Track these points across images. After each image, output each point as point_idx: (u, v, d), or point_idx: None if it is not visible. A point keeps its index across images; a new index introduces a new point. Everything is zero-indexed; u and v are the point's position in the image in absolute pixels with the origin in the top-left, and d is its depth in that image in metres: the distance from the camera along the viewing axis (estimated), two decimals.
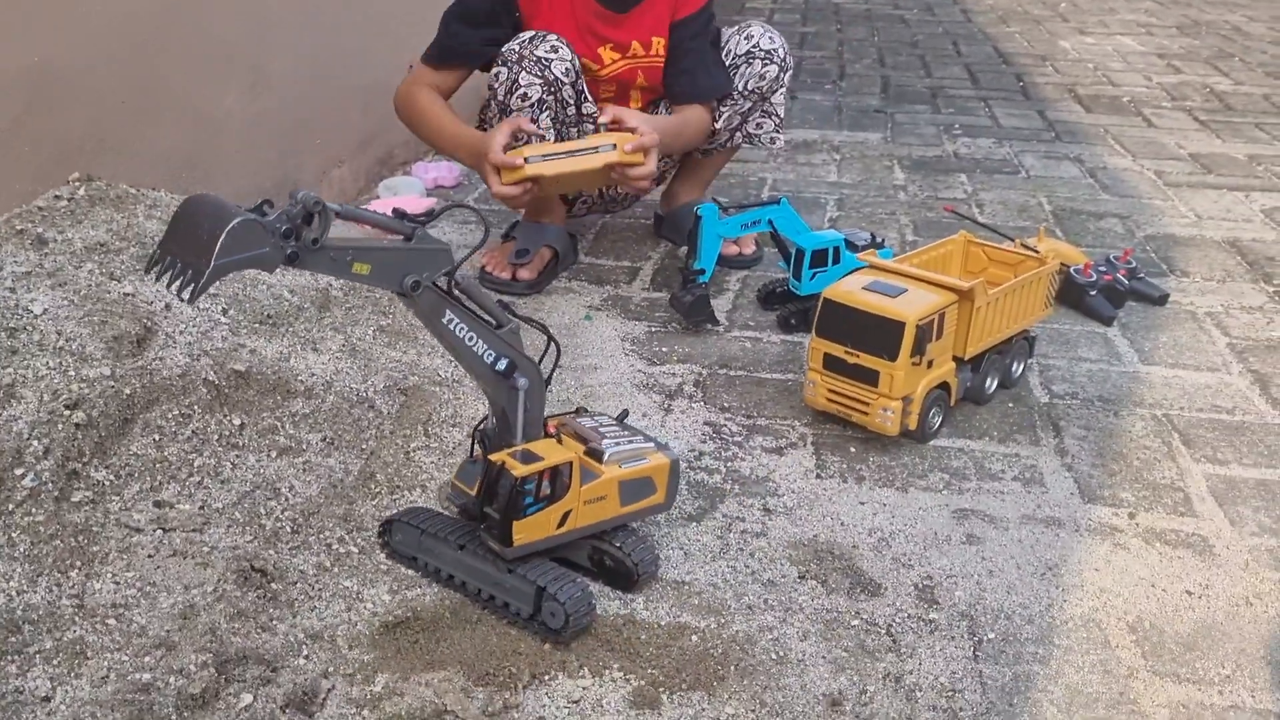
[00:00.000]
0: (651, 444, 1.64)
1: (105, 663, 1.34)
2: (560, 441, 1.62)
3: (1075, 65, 5.64)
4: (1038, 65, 5.62)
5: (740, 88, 2.73)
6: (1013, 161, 3.99)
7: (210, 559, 1.52)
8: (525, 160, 2.34)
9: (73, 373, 1.67)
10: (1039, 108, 4.78)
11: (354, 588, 1.58)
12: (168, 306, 1.92)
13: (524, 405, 1.58)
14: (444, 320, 1.52)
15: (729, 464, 2.01)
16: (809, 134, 4.30)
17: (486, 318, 1.57)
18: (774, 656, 1.54)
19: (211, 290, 2.00)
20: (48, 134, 2.05)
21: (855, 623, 1.61)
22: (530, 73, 2.45)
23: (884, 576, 1.72)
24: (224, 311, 1.99)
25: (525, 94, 2.46)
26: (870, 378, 2.01)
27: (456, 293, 1.52)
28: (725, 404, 2.22)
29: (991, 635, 1.59)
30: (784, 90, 2.81)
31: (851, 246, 2.53)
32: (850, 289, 2.05)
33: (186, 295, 1.26)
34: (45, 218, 1.98)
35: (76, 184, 2.09)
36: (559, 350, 1.66)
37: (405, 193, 3.26)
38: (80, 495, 1.55)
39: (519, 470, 1.51)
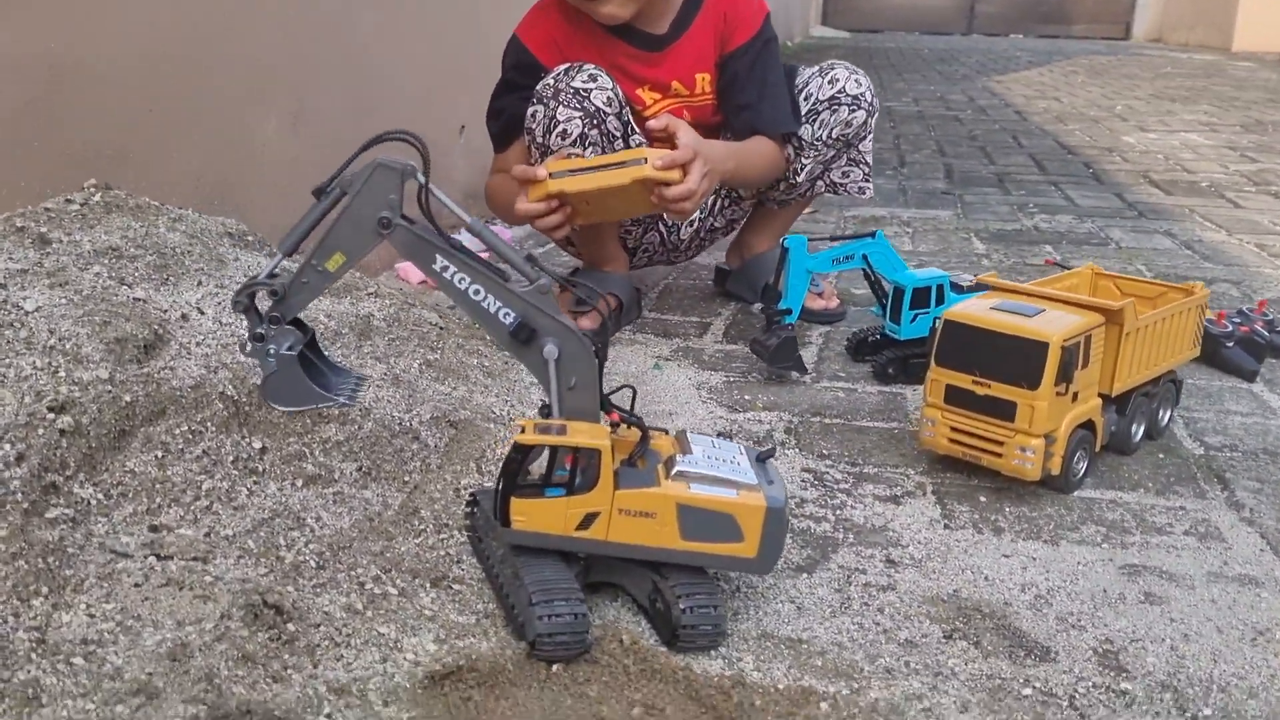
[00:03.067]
0: (755, 482, 1.32)
1: (64, 712, 1.02)
2: (640, 433, 1.33)
3: (1144, 156, 5.43)
4: (1105, 155, 5.41)
5: (824, 136, 2.48)
6: (1100, 235, 3.72)
7: (213, 591, 1.20)
8: (549, 175, 2.08)
9: (63, 373, 1.39)
10: (1115, 190, 4.54)
11: (392, 635, 1.26)
12: (185, 317, 1.65)
13: (557, 380, 1.29)
14: (436, 266, 1.30)
15: (838, 512, 1.68)
16: (875, 210, 4.06)
17: (494, 270, 1.32)
18: None
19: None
20: (59, 131, 1.83)
21: (1027, 692, 1.26)
22: (568, 106, 2.21)
23: (1051, 639, 1.37)
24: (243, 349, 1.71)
25: (565, 130, 2.22)
26: (1005, 411, 1.69)
27: (468, 235, 1.30)
28: (824, 451, 1.90)
29: (1208, 712, 1.23)
30: (871, 137, 2.56)
31: (956, 288, 2.24)
32: (976, 309, 1.75)
33: None
34: (52, 219, 1.74)
35: (92, 190, 1.85)
36: (607, 321, 1.37)
37: None
38: (57, 512, 1.25)
39: (520, 437, 1.25)
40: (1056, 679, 1.29)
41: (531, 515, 1.27)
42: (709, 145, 2.21)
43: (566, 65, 2.26)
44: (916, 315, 2.20)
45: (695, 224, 2.67)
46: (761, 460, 1.38)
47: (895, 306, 2.21)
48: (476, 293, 1.32)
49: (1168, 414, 1.97)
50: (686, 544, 1.30)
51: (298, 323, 1.38)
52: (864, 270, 2.27)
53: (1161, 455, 1.90)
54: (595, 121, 2.22)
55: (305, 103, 2.51)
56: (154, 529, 1.30)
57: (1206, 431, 2.01)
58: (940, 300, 2.20)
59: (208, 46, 2.17)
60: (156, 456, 1.40)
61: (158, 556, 1.24)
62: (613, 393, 1.41)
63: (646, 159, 2.05)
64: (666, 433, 1.43)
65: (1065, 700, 1.25)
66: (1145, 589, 1.48)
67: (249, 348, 1.35)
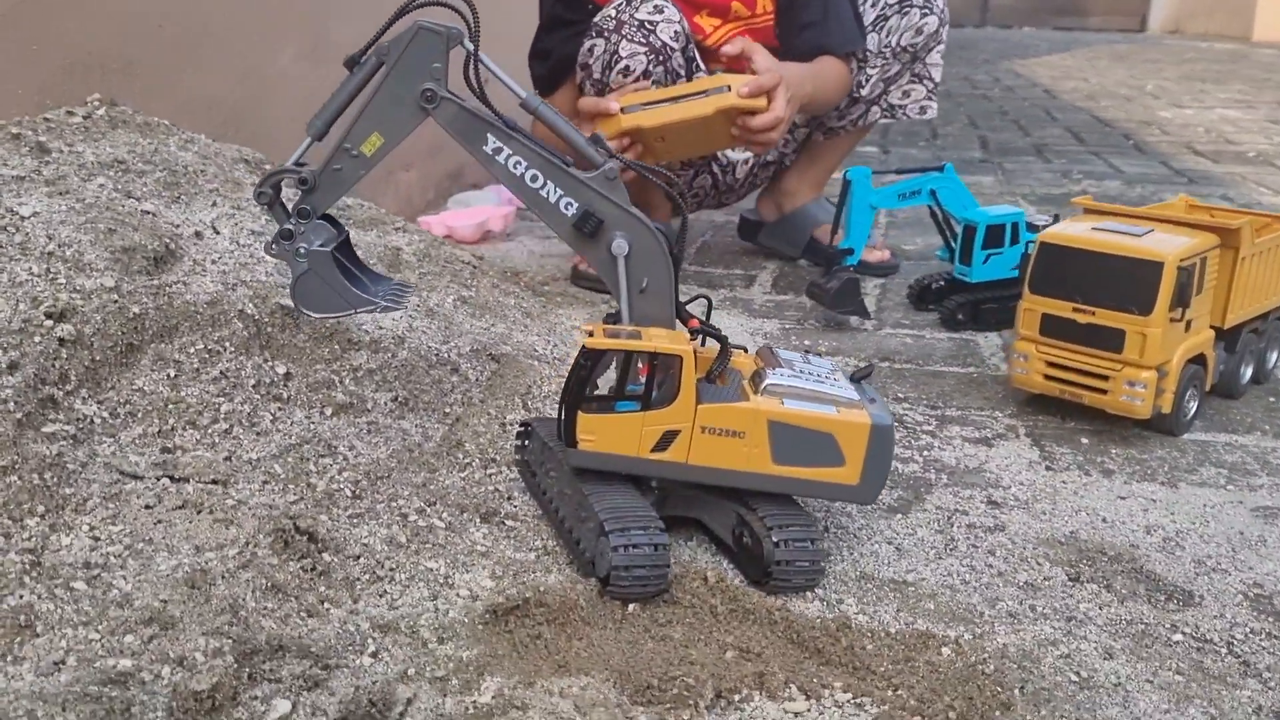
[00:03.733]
0: (856, 398, 1.15)
1: (62, 641, 0.85)
2: (701, 342, 1.16)
3: (1184, 129, 5.25)
4: (1143, 128, 5.23)
5: (893, 44, 2.29)
6: (1154, 198, 3.53)
7: (235, 516, 1.03)
8: (622, 109, 1.91)
9: (63, 280, 1.23)
10: (1160, 159, 4.36)
11: (441, 570, 1.09)
12: (199, 234, 1.48)
13: (627, 280, 1.12)
14: (488, 148, 1.14)
15: (925, 453, 1.51)
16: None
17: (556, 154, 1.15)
18: (1074, 678, 1.01)
19: (254, 227, 1.57)
20: (59, 36, 1.66)
21: (1177, 638, 1.09)
22: (632, 40, 2.03)
23: (1192, 583, 1.19)
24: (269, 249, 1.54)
25: (628, 67, 2.03)
26: (1112, 341, 1.51)
27: (527, 112, 1.14)
28: (900, 394, 1.73)
29: None
30: (942, 48, 2.37)
31: (1032, 227, 2.06)
32: (1076, 230, 1.58)
33: None
34: (51, 129, 1.57)
35: (96, 104, 1.69)
36: (685, 209, 1.20)
37: (479, 204, 2.85)
38: (55, 427, 1.08)
39: (590, 341, 1.09)
40: (1208, 624, 1.11)
41: (601, 433, 1.10)
42: (788, 69, 2.02)
43: None
44: (989, 256, 2.02)
45: (749, 160, 2.48)
46: (858, 380, 1.21)
47: (966, 246, 2.03)
48: (534, 179, 1.15)
49: (1275, 355, 1.80)
50: (779, 468, 1.13)
51: (330, 219, 1.21)
52: (930, 207, 2.09)
53: (1273, 399, 1.73)
54: (661, 58, 2.04)
55: (324, 34, 2.35)
56: (167, 450, 1.13)
57: None
58: (1015, 239, 2.03)
59: None
60: (169, 376, 1.23)
61: (171, 478, 1.07)
62: (689, 302, 1.24)
63: (730, 86, 1.87)
64: (745, 350, 1.26)
65: (1223, 646, 1.07)
66: None
67: (274, 247, 1.18)
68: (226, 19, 2.03)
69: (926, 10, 2.27)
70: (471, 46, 1.15)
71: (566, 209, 1.15)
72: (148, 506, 1.02)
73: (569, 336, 1.83)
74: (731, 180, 2.46)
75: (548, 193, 1.15)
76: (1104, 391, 1.53)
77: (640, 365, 1.11)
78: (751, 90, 1.87)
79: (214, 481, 1.08)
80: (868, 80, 2.31)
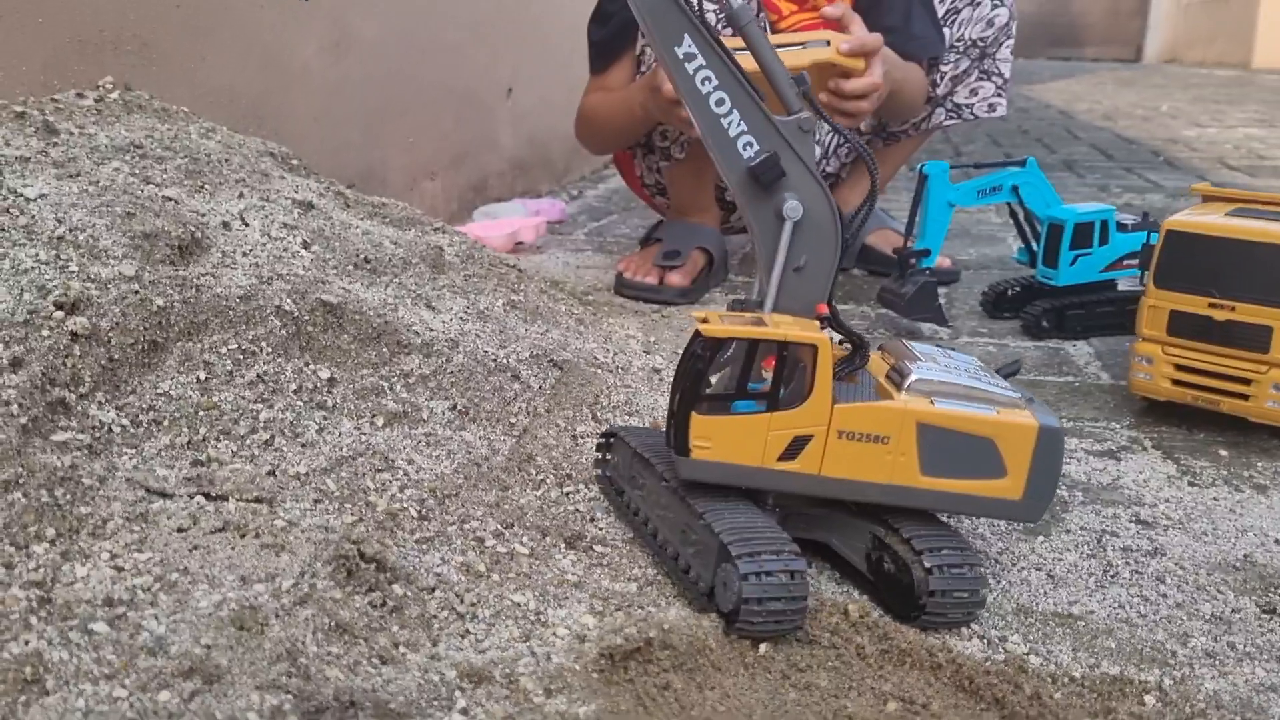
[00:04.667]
0: (1017, 397, 0.98)
1: (79, 700, 0.66)
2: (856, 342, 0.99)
3: (1212, 145, 5.12)
4: (1170, 145, 5.10)
5: (964, 36, 2.15)
6: None
7: (287, 540, 0.85)
8: None
9: (74, 268, 1.05)
10: (1195, 174, 4.22)
11: (530, 604, 0.90)
12: (227, 225, 1.30)
13: (787, 250, 0.95)
14: (679, 50, 0.97)
15: None
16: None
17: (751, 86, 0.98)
18: None
19: (287, 220, 1.40)
20: (66, 9, 1.49)
21: None
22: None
23: None
24: (305, 245, 1.37)
25: None
26: (1256, 340, 1.34)
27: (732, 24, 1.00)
28: None
29: None
30: (1011, 44, 2.22)
31: (1120, 227, 1.90)
32: (1209, 218, 1.41)
33: None
34: (60, 110, 1.40)
35: (109, 87, 1.52)
36: (875, 179, 1.03)
37: (507, 215, 2.68)
38: (68, 436, 0.90)
39: (707, 327, 0.91)
40: None
41: (719, 439, 0.93)
42: (888, 55, 1.88)
43: None
44: (1077, 257, 1.86)
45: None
46: (1007, 376, 1.03)
47: (1051, 247, 1.87)
48: (720, 103, 0.98)
49: None
50: (928, 480, 0.95)
51: None
52: (1010, 205, 1.93)
53: None
54: (734, 22, 1.88)
55: (348, 28, 2.19)
56: (199, 463, 0.94)
57: None
58: (1105, 240, 1.86)
59: None
60: (198, 378, 1.05)
61: (207, 495, 0.89)
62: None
63: (829, 41, 1.71)
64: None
65: None
66: None
67: None
68: (247, 4, 1.87)
69: (999, 3, 2.13)
70: None
71: (745, 149, 0.98)
72: (181, 529, 0.83)
73: (626, 345, 1.66)
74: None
75: (730, 124, 0.98)
76: (1246, 397, 1.36)
77: (766, 356, 0.94)
78: (852, 48, 1.71)
79: (258, 500, 0.90)
80: (941, 78, 2.17)
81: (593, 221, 2.98)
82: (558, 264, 2.39)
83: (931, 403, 0.95)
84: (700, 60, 0.98)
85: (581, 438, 1.26)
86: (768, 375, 0.94)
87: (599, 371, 1.45)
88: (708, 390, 0.95)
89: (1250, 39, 12.99)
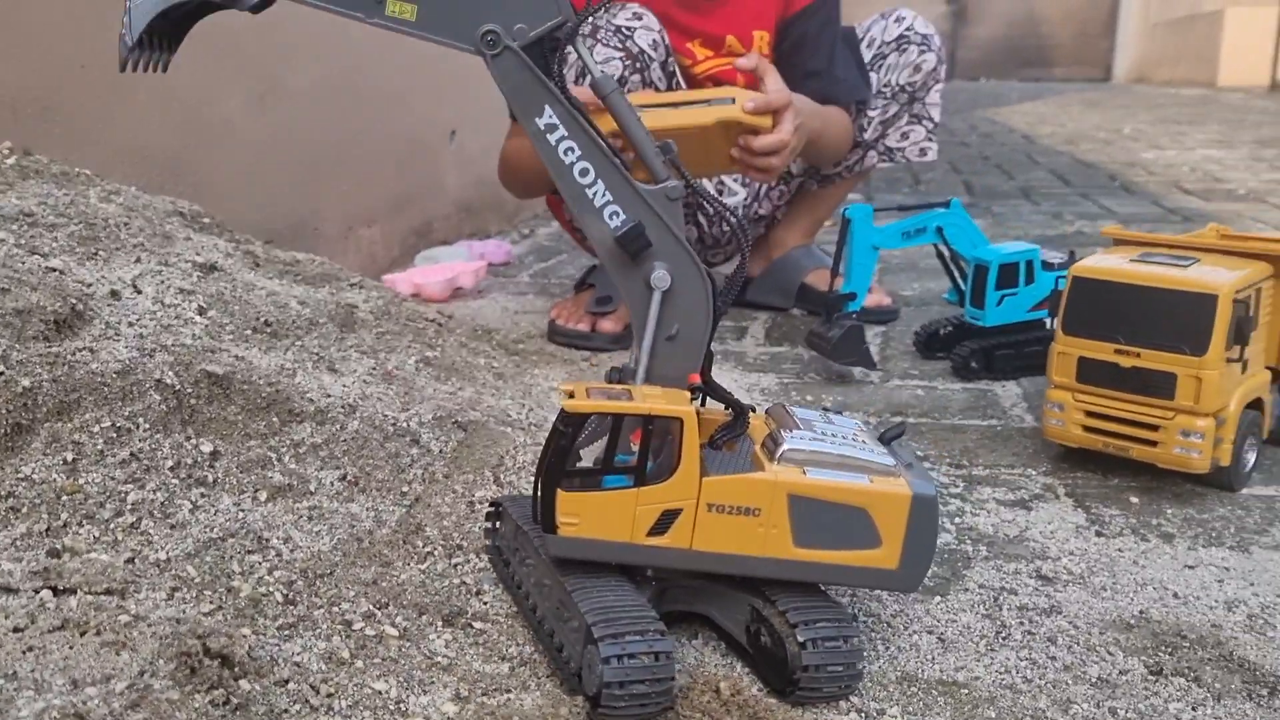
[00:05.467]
0: (891, 463, 0.96)
1: None
2: (701, 403, 0.98)
3: (1169, 169, 5.15)
4: (1128, 169, 5.14)
5: (892, 82, 2.16)
6: None
7: (129, 636, 0.82)
8: None
9: None
10: (1150, 199, 4.24)
11: (391, 692, 0.88)
12: (115, 295, 1.28)
13: (657, 320, 0.94)
14: (540, 122, 0.96)
15: (957, 520, 1.32)
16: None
17: (615, 151, 0.97)
18: None
19: (184, 285, 1.38)
20: None
21: None
22: (607, 45, 1.88)
23: None
24: (201, 311, 1.35)
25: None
26: (1161, 387, 1.34)
27: (597, 95, 0.96)
28: (919, 453, 1.54)
29: None
30: (940, 88, 2.23)
31: (1046, 265, 1.90)
32: (1113, 263, 1.41)
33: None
34: None
35: (5, 152, 1.50)
36: (746, 251, 1.02)
37: (449, 259, 2.67)
38: None
39: (570, 403, 0.89)
40: None
41: (587, 515, 0.91)
42: (800, 99, 1.87)
43: (605, 1, 1.94)
44: (1003, 297, 1.85)
45: (740, 210, 2.32)
46: (888, 441, 1.02)
47: (977, 288, 1.86)
48: (584, 173, 0.97)
49: None
50: (802, 552, 0.93)
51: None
52: (937, 246, 1.93)
53: None
54: (638, 65, 1.89)
55: (276, 80, 2.18)
56: (53, 553, 0.92)
57: None
58: (1030, 279, 1.86)
59: None
60: (65, 460, 1.03)
61: (53, 590, 0.86)
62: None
63: (735, 99, 1.71)
64: (754, 410, 1.07)
65: None
66: None
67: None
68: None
69: (925, 48, 2.14)
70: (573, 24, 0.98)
71: (612, 219, 0.97)
72: (17, 629, 0.81)
73: (546, 399, 1.64)
74: (718, 233, 2.30)
75: (595, 194, 0.97)
76: (1154, 444, 1.35)
77: (632, 430, 0.92)
78: (757, 106, 1.71)
79: (107, 591, 0.88)
80: (868, 123, 2.17)
81: (540, 262, 2.96)
82: (496, 309, 2.38)
83: (804, 473, 0.93)
84: (562, 131, 0.97)
85: (479, 503, 1.24)
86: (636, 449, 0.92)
87: (508, 430, 1.43)
88: (576, 465, 0.93)
89: (1215, 58, 13.13)
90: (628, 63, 1.87)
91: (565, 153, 0.97)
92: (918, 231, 1.89)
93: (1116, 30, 16.02)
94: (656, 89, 1.94)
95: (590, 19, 1.88)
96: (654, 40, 1.91)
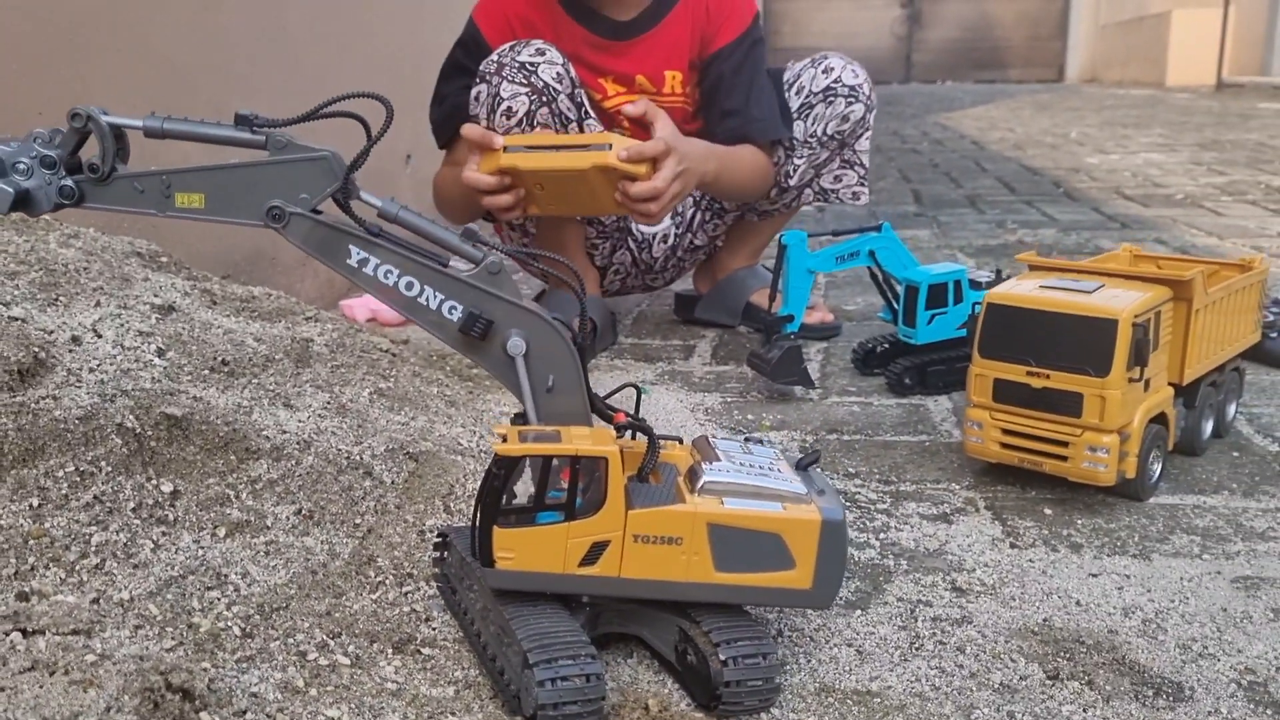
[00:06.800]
0: (803, 492, 1.04)
1: None
2: (629, 437, 1.05)
3: (1111, 174, 5.30)
4: (1072, 175, 5.28)
5: (819, 132, 2.24)
6: (1089, 245, 3.52)
7: (96, 674, 0.89)
8: (505, 148, 1.82)
9: None
10: (1091, 205, 4.38)
11: (344, 718, 0.95)
12: (77, 340, 1.34)
13: (529, 380, 1.01)
14: (352, 261, 1.02)
15: (881, 535, 1.40)
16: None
17: (427, 256, 1.05)
18: None
19: (143, 327, 1.44)
20: None
21: None
22: (513, 81, 1.95)
23: (1179, 672, 1.09)
24: (160, 353, 1.41)
25: (510, 109, 1.95)
26: (1069, 405, 1.43)
27: (388, 221, 1.05)
28: (851, 469, 1.63)
29: None
30: (869, 135, 2.32)
31: (974, 284, 1.99)
32: (1023, 290, 1.50)
33: None
34: None
35: None
36: (581, 294, 1.09)
37: None
38: None
39: (502, 447, 0.97)
40: None
41: (521, 550, 0.98)
42: (688, 143, 1.96)
43: (513, 41, 2.01)
44: (934, 316, 1.95)
45: (670, 240, 2.40)
46: (804, 468, 1.10)
47: (909, 308, 1.96)
48: (409, 286, 1.04)
49: (1234, 406, 1.73)
50: (722, 576, 1.01)
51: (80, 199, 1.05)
52: (870, 269, 2.02)
53: (1236, 454, 1.65)
54: (544, 99, 1.96)
55: (229, 112, 2.22)
56: (22, 597, 0.98)
57: (1275, 427, 1.77)
58: (959, 298, 1.96)
59: (110, 37, 1.89)
60: (31, 505, 1.09)
61: (23, 632, 0.93)
62: (611, 395, 1.13)
63: (611, 145, 1.79)
64: (680, 441, 1.15)
65: None
66: (1272, 604, 1.22)
67: (34, 139, 1.02)
68: (118, 101, 1.90)
69: (852, 99, 2.23)
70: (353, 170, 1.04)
71: (450, 314, 1.03)
72: None
73: (499, 424, 1.71)
74: (649, 258, 2.38)
75: (427, 299, 1.04)
76: (1064, 459, 1.44)
77: (562, 469, 1.00)
78: (632, 155, 1.79)
79: (74, 632, 0.94)
80: (795, 169, 2.26)
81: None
82: None
83: (722, 503, 1.01)
84: (373, 260, 1.03)
85: (429, 532, 1.30)
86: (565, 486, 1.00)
87: (459, 459, 1.50)
88: (511, 503, 1.00)
89: (1164, 59, 13.40)
90: (533, 97, 1.95)
91: (385, 276, 1.03)
92: (851, 255, 1.98)
93: (1068, 32, 16.29)
94: (567, 119, 2.01)
95: (497, 62, 1.95)
96: (558, 73, 1.98)
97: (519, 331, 1.03)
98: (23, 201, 1.02)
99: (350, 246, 1.03)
